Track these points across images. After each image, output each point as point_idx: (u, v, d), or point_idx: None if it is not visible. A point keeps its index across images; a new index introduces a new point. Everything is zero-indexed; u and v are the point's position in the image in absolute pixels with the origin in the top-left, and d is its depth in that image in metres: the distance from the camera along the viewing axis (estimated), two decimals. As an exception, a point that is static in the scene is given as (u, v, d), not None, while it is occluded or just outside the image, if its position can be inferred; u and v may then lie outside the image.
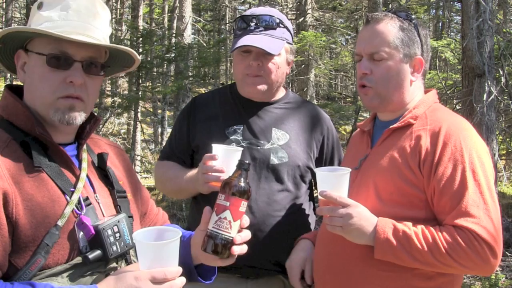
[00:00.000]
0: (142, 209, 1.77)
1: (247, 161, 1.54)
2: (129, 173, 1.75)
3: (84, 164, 1.53)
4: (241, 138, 2.35)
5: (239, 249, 1.51)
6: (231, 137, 2.35)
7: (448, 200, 1.78)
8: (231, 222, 1.47)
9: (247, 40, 2.29)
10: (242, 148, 2.12)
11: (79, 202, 1.44)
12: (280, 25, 2.36)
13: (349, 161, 2.11)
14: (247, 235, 1.54)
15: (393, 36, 1.92)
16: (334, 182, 1.85)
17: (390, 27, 1.94)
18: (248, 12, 2.42)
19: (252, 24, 2.33)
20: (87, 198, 1.47)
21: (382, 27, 1.94)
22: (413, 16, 2.00)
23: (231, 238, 1.48)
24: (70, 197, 1.42)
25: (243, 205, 1.49)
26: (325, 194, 1.81)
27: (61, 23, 1.47)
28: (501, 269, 6.21)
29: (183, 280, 1.37)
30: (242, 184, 1.49)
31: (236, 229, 1.49)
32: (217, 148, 2.09)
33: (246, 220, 1.53)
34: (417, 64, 1.96)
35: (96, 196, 1.53)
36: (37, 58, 1.47)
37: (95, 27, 1.51)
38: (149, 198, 1.85)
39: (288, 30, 2.40)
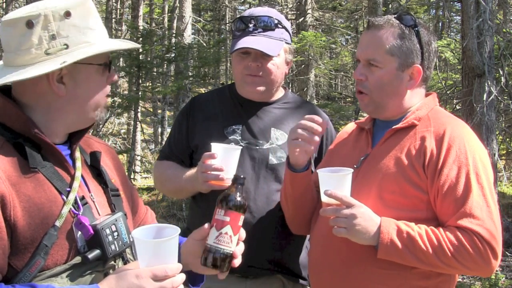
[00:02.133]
0: (133, 209, 1.76)
1: (242, 176, 1.56)
2: (120, 171, 1.75)
3: (78, 163, 1.52)
4: (240, 138, 2.36)
5: (238, 262, 1.53)
6: (230, 137, 2.35)
7: (452, 202, 1.80)
8: (232, 236, 1.49)
9: (245, 42, 2.29)
10: (241, 147, 2.12)
11: (75, 201, 1.43)
12: (279, 25, 2.35)
13: (346, 158, 2.08)
14: (243, 247, 1.56)
15: (390, 44, 1.92)
16: (336, 183, 1.84)
17: (388, 35, 1.93)
18: (246, 13, 2.42)
19: (251, 25, 2.33)
20: (83, 198, 1.47)
21: (380, 34, 1.94)
22: (418, 21, 1.97)
23: (231, 252, 1.50)
24: (67, 197, 1.41)
25: (241, 219, 1.52)
26: (329, 193, 1.81)
27: (101, 31, 1.49)
28: (501, 269, 6.21)
29: (183, 276, 1.38)
30: (239, 198, 1.52)
31: (235, 243, 1.51)
32: (216, 147, 2.09)
33: (243, 233, 1.56)
34: (415, 73, 1.95)
35: (91, 195, 1.52)
36: (89, 68, 1.46)
37: None
38: (139, 197, 1.85)
39: (287, 30, 2.40)
